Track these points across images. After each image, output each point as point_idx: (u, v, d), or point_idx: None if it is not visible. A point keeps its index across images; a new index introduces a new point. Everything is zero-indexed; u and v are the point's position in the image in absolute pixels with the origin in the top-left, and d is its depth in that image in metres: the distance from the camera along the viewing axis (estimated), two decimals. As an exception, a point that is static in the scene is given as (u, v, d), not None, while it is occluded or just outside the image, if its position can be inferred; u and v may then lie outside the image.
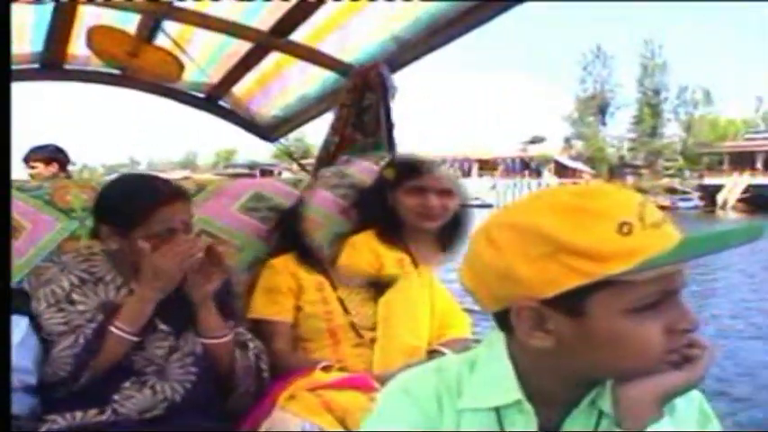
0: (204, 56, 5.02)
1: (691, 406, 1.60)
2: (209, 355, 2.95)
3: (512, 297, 1.43)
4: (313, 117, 5.26)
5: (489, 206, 70.70)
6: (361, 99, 4.11)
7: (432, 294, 3.60)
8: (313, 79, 4.90)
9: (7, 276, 2.21)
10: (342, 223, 3.72)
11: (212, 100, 5.67)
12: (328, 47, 4.46)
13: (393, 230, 3.48)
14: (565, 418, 1.57)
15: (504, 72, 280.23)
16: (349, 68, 4.40)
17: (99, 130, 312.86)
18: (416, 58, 4.13)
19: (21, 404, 2.80)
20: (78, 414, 2.71)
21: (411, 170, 3.47)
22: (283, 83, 5.09)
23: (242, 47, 4.75)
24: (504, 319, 1.49)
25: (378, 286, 3.44)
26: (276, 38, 4.45)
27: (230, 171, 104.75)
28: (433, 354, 3.40)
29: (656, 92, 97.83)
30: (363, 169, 3.91)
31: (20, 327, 2.90)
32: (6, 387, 2.05)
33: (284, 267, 3.47)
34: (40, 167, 7.29)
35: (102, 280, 2.93)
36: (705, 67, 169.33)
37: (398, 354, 3.32)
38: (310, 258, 3.49)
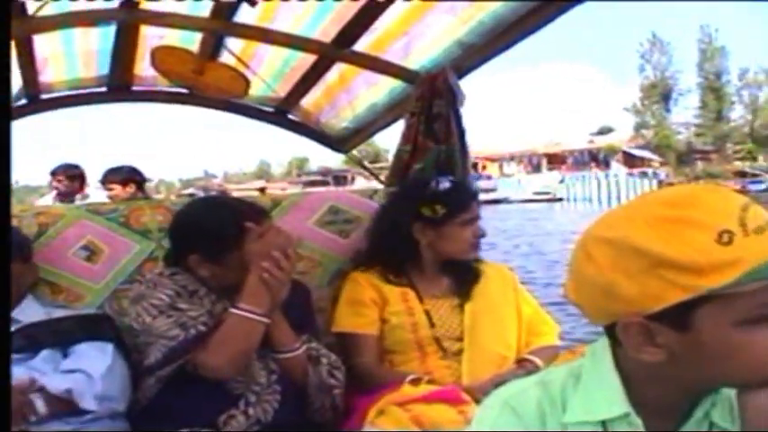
0: (269, 70, 5.03)
1: None
2: (282, 371, 2.93)
3: (617, 312, 1.39)
4: (383, 127, 5.23)
5: (559, 200, 70.35)
6: (431, 107, 4.06)
7: (517, 301, 3.56)
8: (380, 89, 4.87)
9: (7, 275, 2.20)
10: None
11: (281, 113, 5.68)
12: (393, 55, 4.43)
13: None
14: (674, 430, 1.52)
15: (566, 65, 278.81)
16: (415, 76, 4.36)
17: (173, 145, 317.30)
18: (483, 62, 4.08)
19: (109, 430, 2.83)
20: None
21: (462, 202, 3.43)
22: (350, 94, 5.07)
23: (307, 60, 4.74)
24: (613, 331, 1.44)
25: (462, 294, 3.43)
26: (340, 49, 4.43)
27: (304, 179, 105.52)
28: (521, 363, 3.37)
29: (718, 76, 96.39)
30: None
31: (106, 353, 2.93)
32: (6, 387, 2.03)
33: (366, 279, 3.43)
34: (117, 189, 7.37)
35: (197, 294, 2.93)
36: (765, 48, 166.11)
37: (487, 364, 3.28)
38: (394, 269, 3.45)
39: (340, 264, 3.78)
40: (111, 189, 7.41)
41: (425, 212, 3.38)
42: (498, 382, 3.10)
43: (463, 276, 3.48)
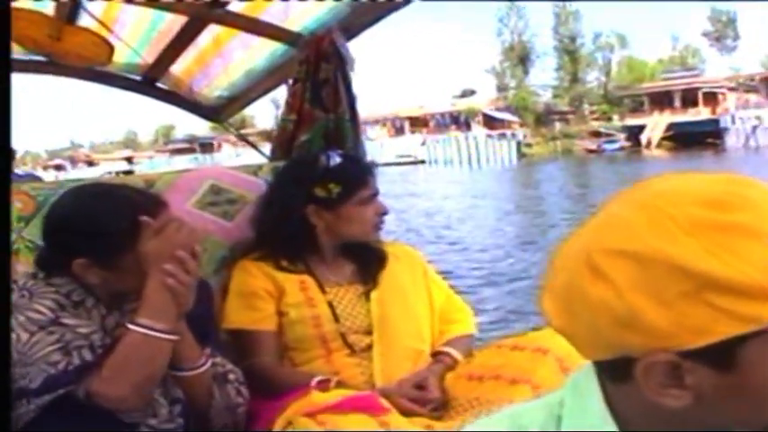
0: (135, 35, 4.61)
1: None
2: (183, 392, 2.49)
3: (635, 347, 1.03)
4: (261, 94, 4.91)
5: (422, 162, 71.50)
6: (316, 71, 3.71)
7: (428, 286, 3.28)
8: (258, 53, 4.50)
9: (7, 274, 2.01)
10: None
11: (149, 82, 5.23)
12: (272, 16, 4.08)
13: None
14: None
15: (429, 27, 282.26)
16: (297, 38, 4.00)
17: (36, 115, 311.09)
18: (374, 21, 3.79)
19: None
20: None
21: (359, 178, 3.15)
22: (225, 59, 4.69)
23: (176, 22, 4.35)
24: (614, 367, 1.10)
25: (368, 281, 3.14)
26: (213, 9, 4.07)
27: (171, 147, 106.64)
28: (438, 356, 3.09)
29: (572, 39, 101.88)
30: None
31: None
32: (6, 387, 1.93)
33: (258, 268, 3.09)
34: None
35: (83, 305, 2.43)
36: (618, 12, 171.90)
37: (400, 360, 2.99)
38: (289, 255, 3.11)
39: (226, 250, 3.40)
40: None
41: (319, 193, 3.08)
42: (417, 383, 2.85)
43: (368, 260, 3.19)
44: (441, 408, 2.82)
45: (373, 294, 3.09)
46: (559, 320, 1.14)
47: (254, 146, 5.31)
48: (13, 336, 2.28)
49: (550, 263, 1.16)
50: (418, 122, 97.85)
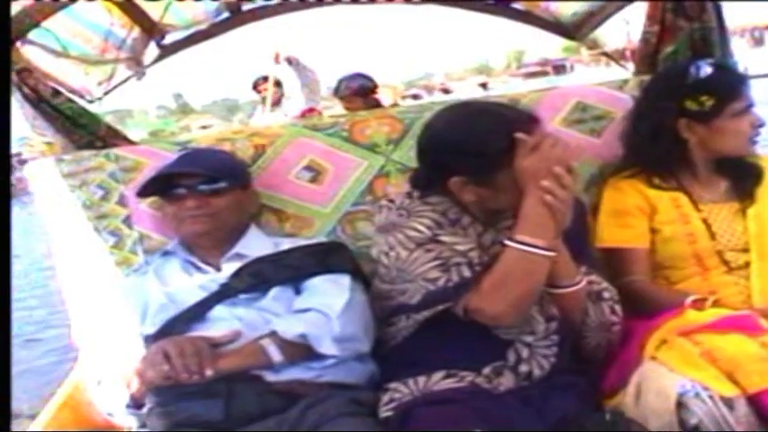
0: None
1: None
2: (558, 309, 2.49)
3: None
4: (616, 10, 4.63)
5: (782, 77, 67.84)
6: (677, -21, 3.55)
7: None
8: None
9: (6, 269, 2.10)
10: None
11: (504, 3, 5.16)
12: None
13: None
14: None
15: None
16: (656, -52, 3.81)
17: (391, 48, 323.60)
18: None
19: (356, 374, 2.57)
20: (421, 380, 2.39)
21: (732, 89, 2.93)
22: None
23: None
24: None
25: (744, 197, 2.97)
26: None
27: (523, 71, 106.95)
28: None
29: None
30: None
31: (342, 287, 2.63)
32: (7, 386, 1.98)
33: (629, 185, 3.01)
34: (358, 102, 7.06)
35: (460, 223, 2.49)
36: None
37: None
38: (660, 171, 3.00)
39: (594, 167, 3.33)
40: (351, 101, 7.09)
41: (690, 106, 2.91)
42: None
43: (743, 176, 3.01)
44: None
45: (750, 211, 2.94)
46: None
47: (616, 60, 5.15)
48: (393, 253, 2.41)
49: None
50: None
